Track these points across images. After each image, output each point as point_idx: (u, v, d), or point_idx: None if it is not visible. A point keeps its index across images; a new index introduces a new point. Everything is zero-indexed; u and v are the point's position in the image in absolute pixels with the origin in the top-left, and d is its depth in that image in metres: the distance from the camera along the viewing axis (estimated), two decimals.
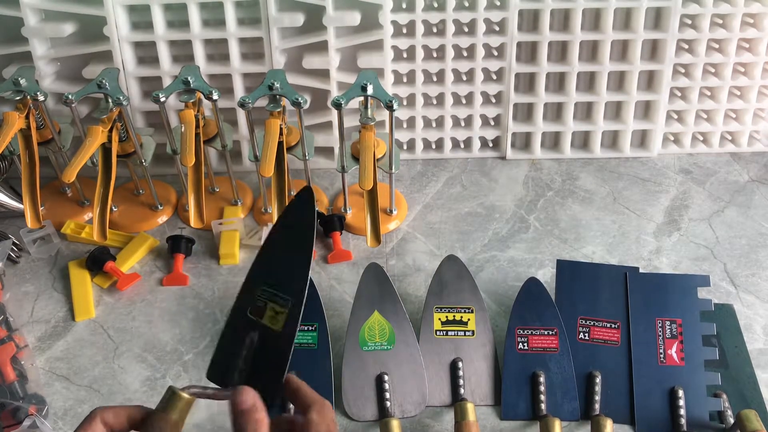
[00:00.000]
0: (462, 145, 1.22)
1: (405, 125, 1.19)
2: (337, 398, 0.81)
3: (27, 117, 0.97)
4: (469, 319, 0.86)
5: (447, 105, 1.15)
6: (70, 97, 0.93)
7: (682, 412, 0.78)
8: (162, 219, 1.08)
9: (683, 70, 1.16)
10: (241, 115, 1.12)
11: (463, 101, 1.17)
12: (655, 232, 1.05)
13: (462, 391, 0.81)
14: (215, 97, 0.95)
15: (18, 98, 0.96)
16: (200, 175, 1.00)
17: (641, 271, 0.88)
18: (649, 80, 1.17)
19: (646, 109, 1.19)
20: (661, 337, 0.83)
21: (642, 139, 1.22)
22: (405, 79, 1.14)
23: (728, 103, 1.17)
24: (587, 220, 1.07)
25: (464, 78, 1.15)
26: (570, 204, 1.10)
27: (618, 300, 0.86)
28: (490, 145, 1.22)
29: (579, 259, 1.00)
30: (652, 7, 1.08)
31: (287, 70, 1.02)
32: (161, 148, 1.08)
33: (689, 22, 1.13)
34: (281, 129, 0.96)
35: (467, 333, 0.85)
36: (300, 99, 0.92)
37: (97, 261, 0.97)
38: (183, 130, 0.96)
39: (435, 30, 1.10)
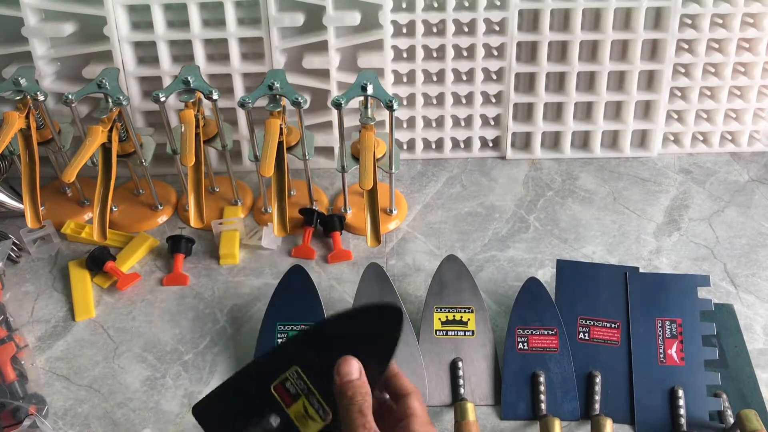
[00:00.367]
0: (462, 145, 1.22)
1: (405, 125, 1.19)
2: None
3: (27, 117, 0.97)
4: (469, 319, 0.86)
5: (447, 105, 1.15)
6: (70, 96, 0.93)
7: (682, 411, 0.78)
8: (162, 219, 1.08)
9: (683, 70, 1.16)
10: (241, 115, 1.12)
11: (463, 101, 1.17)
12: (655, 232, 1.05)
13: (462, 390, 0.81)
14: (215, 97, 0.95)
15: (18, 98, 0.96)
16: (200, 175, 1.00)
17: (641, 271, 0.88)
18: (649, 80, 1.17)
19: (646, 109, 1.19)
20: (661, 337, 0.83)
21: (642, 139, 1.22)
22: (405, 79, 1.14)
23: (728, 102, 1.17)
24: (587, 220, 1.07)
25: (464, 78, 1.15)
26: (570, 204, 1.10)
27: (618, 300, 0.86)
28: (490, 144, 1.22)
29: (579, 259, 1.00)
30: (652, 7, 1.08)
31: (287, 70, 1.02)
32: (161, 148, 1.08)
33: (689, 22, 1.13)
34: (281, 129, 0.96)
35: (467, 333, 0.85)
36: (300, 99, 0.92)
37: (97, 261, 0.97)
38: (183, 130, 0.96)
39: (435, 30, 1.10)
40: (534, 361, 0.82)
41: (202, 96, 0.97)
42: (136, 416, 0.81)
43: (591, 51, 1.14)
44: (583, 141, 1.22)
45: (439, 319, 0.86)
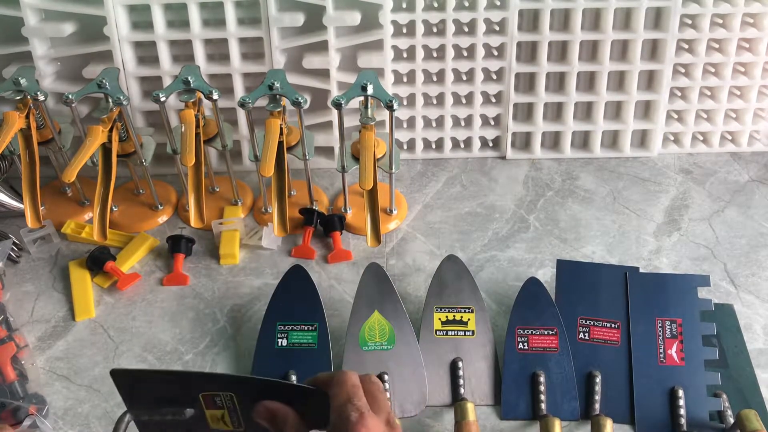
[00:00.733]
0: (462, 145, 1.22)
1: (405, 125, 1.19)
2: None
3: (27, 117, 0.97)
4: (469, 319, 0.86)
5: (447, 105, 1.15)
6: (70, 96, 0.93)
7: (682, 411, 0.78)
8: (162, 219, 1.08)
9: (683, 70, 1.16)
10: (241, 115, 1.12)
11: (463, 101, 1.17)
12: (655, 232, 1.05)
13: (462, 390, 0.81)
14: (215, 96, 0.95)
15: (18, 98, 0.96)
16: (200, 174, 1.00)
17: (641, 271, 0.88)
18: (649, 80, 1.17)
19: (646, 109, 1.19)
20: (661, 337, 0.83)
21: (642, 138, 1.22)
22: (405, 79, 1.14)
23: (728, 102, 1.17)
24: (587, 220, 1.07)
25: (464, 78, 1.15)
26: (570, 204, 1.10)
27: (618, 300, 0.86)
28: (490, 144, 1.22)
29: (579, 258, 1.00)
30: (652, 7, 1.08)
31: (287, 70, 1.02)
32: (161, 148, 1.08)
33: (689, 22, 1.13)
34: (281, 129, 0.96)
35: (467, 333, 0.85)
36: (300, 99, 0.92)
37: (98, 261, 0.97)
38: (183, 129, 0.96)
39: (435, 30, 1.10)
40: (534, 361, 0.82)
41: (202, 96, 0.97)
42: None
43: (591, 51, 1.14)
44: (583, 141, 1.22)
45: (439, 319, 0.86)
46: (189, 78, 0.95)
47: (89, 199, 1.10)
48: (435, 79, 1.15)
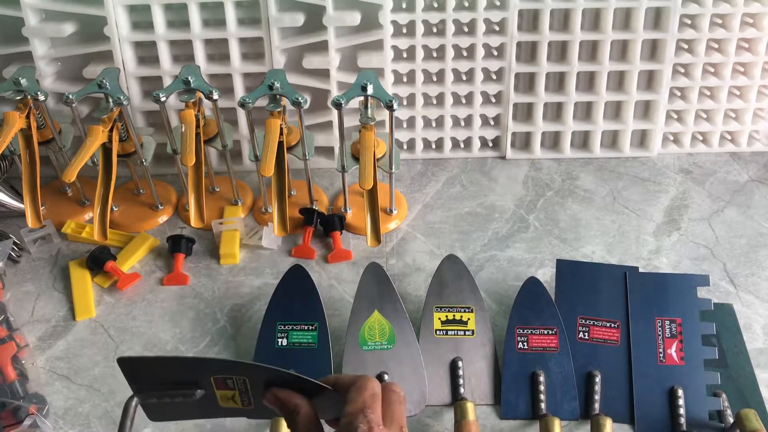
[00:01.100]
0: (462, 145, 1.22)
1: (405, 125, 1.19)
2: None
3: (27, 117, 0.97)
4: (469, 319, 0.86)
5: (447, 105, 1.15)
6: (70, 96, 0.93)
7: (682, 411, 0.79)
8: (162, 219, 1.08)
9: (683, 70, 1.16)
10: (242, 115, 1.12)
11: (463, 101, 1.17)
12: (654, 231, 1.05)
13: (462, 390, 0.81)
14: (215, 96, 0.95)
15: (18, 98, 0.96)
16: (200, 174, 1.01)
17: (641, 270, 0.88)
18: (649, 80, 1.17)
19: (645, 109, 1.19)
20: (660, 337, 0.83)
21: (642, 138, 1.22)
22: (405, 79, 1.15)
23: (728, 102, 1.17)
24: (587, 220, 1.07)
25: (464, 78, 1.15)
26: (570, 204, 1.11)
27: (618, 300, 0.86)
28: (490, 144, 1.22)
29: (579, 258, 1.00)
30: (651, 7, 1.08)
31: (287, 70, 1.02)
32: (161, 148, 1.08)
33: (689, 22, 1.13)
34: (281, 129, 0.96)
35: (467, 332, 0.85)
36: (300, 99, 0.92)
37: (98, 260, 0.97)
38: (183, 129, 0.96)
39: (435, 30, 1.11)
40: (534, 361, 0.82)
41: (202, 96, 0.97)
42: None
43: (591, 51, 1.14)
44: (582, 141, 1.22)
45: (439, 318, 0.86)
46: (189, 78, 0.95)
47: (89, 199, 1.10)
48: (435, 79, 1.15)
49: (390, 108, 0.90)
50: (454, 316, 0.86)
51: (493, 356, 0.84)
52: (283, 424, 0.75)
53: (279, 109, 0.95)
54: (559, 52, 1.14)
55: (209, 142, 1.03)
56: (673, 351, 0.82)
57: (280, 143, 0.96)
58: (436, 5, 1.09)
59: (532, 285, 0.86)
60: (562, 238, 1.04)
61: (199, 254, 1.02)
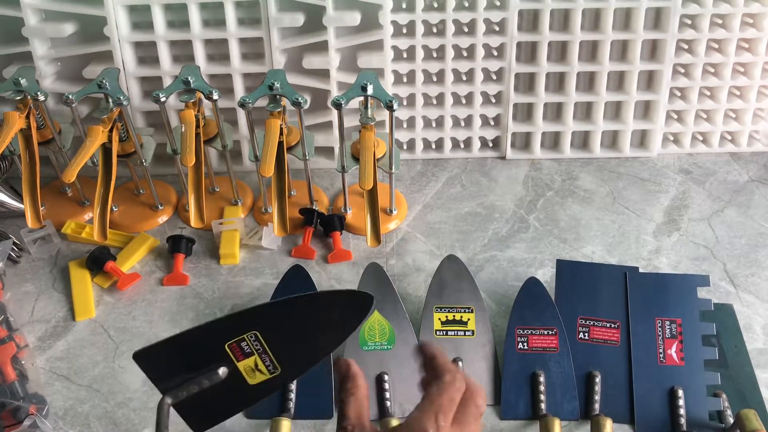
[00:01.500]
0: (462, 145, 1.22)
1: (405, 125, 1.19)
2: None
3: (27, 117, 0.97)
4: (468, 319, 0.86)
5: (447, 105, 1.15)
6: (70, 97, 0.93)
7: (682, 411, 0.79)
8: (162, 219, 1.08)
9: (683, 70, 1.16)
10: (241, 115, 1.12)
11: (463, 101, 1.17)
12: (654, 232, 1.05)
13: None
14: (215, 97, 0.95)
15: (18, 98, 0.96)
16: (200, 175, 1.01)
17: (641, 271, 0.88)
18: (649, 80, 1.17)
19: (645, 109, 1.19)
20: (660, 337, 0.83)
21: (642, 139, 1.22)
22: (405, 79, 1.15)
23: (728, 103, 1.17)
24: (587, 220, 1.07)
25: (464, 78, 1.15)
26: (570, 204, 1.11)
27: (618, 300, 0.86)
28: (490, 145, 1.22)
29: (579, 258, 1.00)
30: (651, 7, 1.08)
31: (287, 70, 1.02)
32: (161, 148, 1.08)
33: (689, 22, 1.13)
34: (281, 129, 0.96)
35: (467, 333, 0.85)
36: (300, 99, 0.92)
37: (98, 261, 0.97)
38: (183, 130, 0.96)
39: (435, 30, 1.11)
40: (534, 361, 0.82)
41: (202, 96, 0.97)
42: (136, 416, 0.81)
43: (591, 51, 1.14)
44: (582, 141, 1.22)
45: (439, 319, 0.86)
46: (189, 78, 0.95)
47: (89, 199, 1.10)
48: (435, 79, 1.15)
49: (390, 108, 0.90)
50: (454, 316, 0.86)
51: (493, 356, 0.84)
52: (284, 424, 0.76)
53: (279, 110, 0.95)
54: (559, 52, 1.14)
55: (209, 142, 1.03)
56: (673, 351, 0.82)
57: (280, 143, 0.96)
58: (436, 5, 1.09)
59: (532, 285, 0.86)
60: (562, 238, 1.04)
61: (199, 254, 1.02)
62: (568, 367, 0.82)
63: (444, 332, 0.85)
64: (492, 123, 1.20)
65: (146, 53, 1.09)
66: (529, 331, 0.84)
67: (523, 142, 1.22)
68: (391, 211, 1.07)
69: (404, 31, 1.09)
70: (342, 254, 1.00)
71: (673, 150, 1.22)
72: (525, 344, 0.83)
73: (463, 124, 1.20)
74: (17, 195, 1.07)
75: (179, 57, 1.10)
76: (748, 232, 1.04)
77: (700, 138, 1.22)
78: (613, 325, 0.85)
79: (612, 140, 1.22)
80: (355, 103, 0.95)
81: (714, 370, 0.81)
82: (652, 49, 1.14)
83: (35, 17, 1.04)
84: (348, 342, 0.83)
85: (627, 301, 0.86)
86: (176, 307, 0.94)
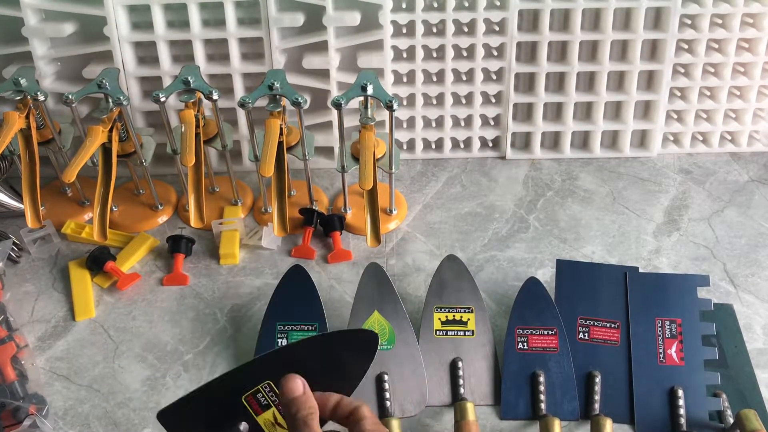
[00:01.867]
0: (462, 145, 1.22)
1: (405, 125, 1.19)
2: None
3: (27, 117, 0.97)
4: (468, 319, 0.86)
5: (447, 105, 1.15)
6: (70, 97, 0.93)
7: (682, 411, 0.79)
8: (162, 219, 1.08)
9: (683, 70, 1.16)
10: (241, 115, 1.12)
11: (463, 101, 1.17)
12: (654, 232, 1.05)
13: (462, 390, 0.81)
14: (215, 97, 0.95)
15: (18, 98, 0.96)
16: (200, 175, 1.01)
17: (641, 271, 0.88)
18: (649, 80, 1.17)
19: (645, 109, 1.19)
20: (660, 337, 0.83)
21: (642, 139, 1.22)
22: (405, 79, 1.15)
23: (728, 103, 1.17)
24: (587, 220, 1.07)
25: (464, 78, 1.15)
26: (570, 204, 1.11)
27: (618, 300, 0.86)
28: (490, 145, 1.22)
29: (579, 258, 1.00)
30: (651, 7, 1.08)
31: (287, 70, 1.02)
32: (161, 148, 1.08)
33: (689, 22, 1.13)
34: (281, 129, 0.96)
35: (467, 333, 0.85)
36: (300, 99, 0.92)
37: (98, 261, 0.97)
38: (183, 130, 0.96)
39: (435, 30, 1.11)
40: (534, 361, 0.82)
41: (202, 96, 0.97)
42: (136, 416, 0.81)
43: (591, 51, 1.14)
44: (582, 141, 1.22)
45: (439, 319, 0.86)
46: (189, 78, 0.95)
47: (89, 199, 1.10)
48: (435, 79, 1.15)
49: (390, 108, 0.90)
50: (454, 316, 0.86)
51: (493, 356, 0.84)
52: None
53: (279, 110, 0.95)
54: (559, 52, 1.14)
55: (209, 142, 1.03)
56: (673, 351, 0.82)
57: (280, 143, 0.96)
58: (436, 5, 1.09)
59: (532, 285, 0.86)
60: (562, 238, 1.04)
61: (199, 254, 1.02)
62: (568, 367, 0.82)
63: (444, 332, 0.85)
64: (492, 123, 1.20)
65: (146, 53, 1.09)
66: (529, 331, 0.84)
67: (523, 142, 1.22)
68: (391, 211, 1.07)
69: (404, 31, 1.09)
70: (342, 254, 1.00)
71: (673, 150, 1.22)
72: (525, 344, 0.83)
73: (463, 124, 1.20)
74: (17, 195, 1.07)
75: (179, 57, 1.10)
76: (748, 232, 1.04)
77: (700, 138, 1.22)
78: (613, 325, 0.85)
79: (612, 140, 1.22)
80: (355, 103, 0.95)
81: (714, 370, 0.81)
82: (652, 49, 1.14)
83: (35, 17, 1.04)
84: None
85: (627, 301, 0.86)
86: (176, 307, 0.94)
